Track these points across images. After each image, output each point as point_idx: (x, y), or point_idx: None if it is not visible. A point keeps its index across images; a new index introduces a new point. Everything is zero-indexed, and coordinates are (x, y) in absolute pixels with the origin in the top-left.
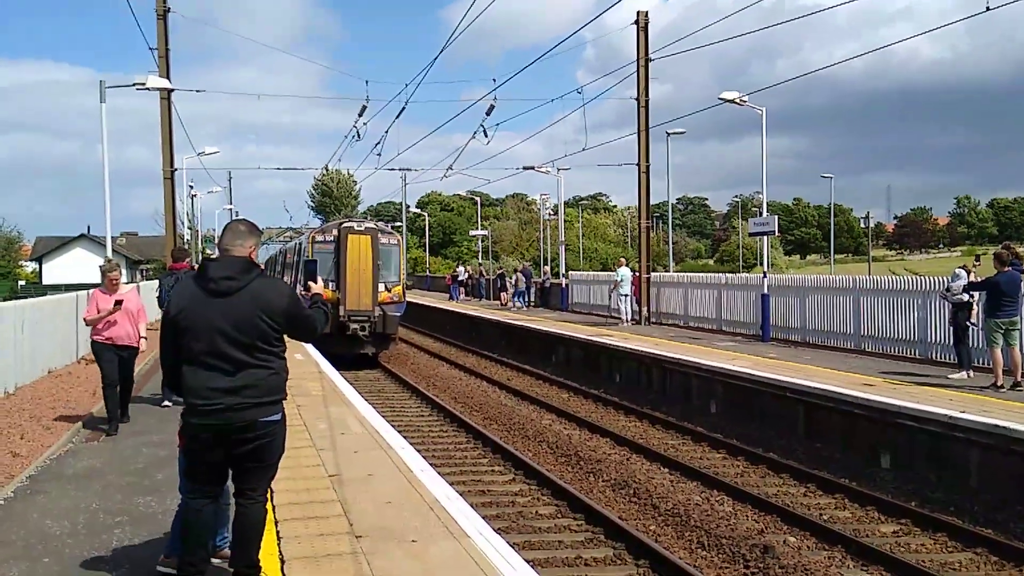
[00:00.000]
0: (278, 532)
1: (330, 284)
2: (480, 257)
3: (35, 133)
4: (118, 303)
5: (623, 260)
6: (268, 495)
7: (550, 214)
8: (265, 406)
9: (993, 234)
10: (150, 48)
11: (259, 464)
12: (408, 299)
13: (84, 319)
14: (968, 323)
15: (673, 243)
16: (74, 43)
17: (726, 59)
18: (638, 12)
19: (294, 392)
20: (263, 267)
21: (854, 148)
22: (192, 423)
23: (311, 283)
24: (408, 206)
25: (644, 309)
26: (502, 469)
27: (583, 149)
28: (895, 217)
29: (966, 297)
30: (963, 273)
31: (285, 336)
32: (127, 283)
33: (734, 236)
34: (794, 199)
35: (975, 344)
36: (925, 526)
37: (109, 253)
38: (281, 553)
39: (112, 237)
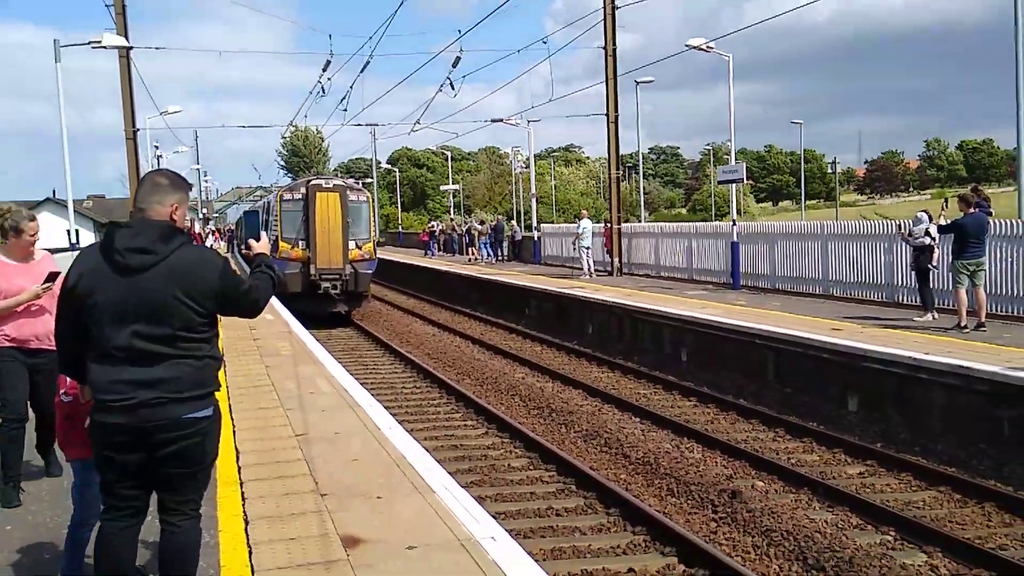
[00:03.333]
0: (243, 493)
1: (300, 243)
2: (452, 212)
3: (1, 97)
4: (52, 277)
5: (584, 212)
6: (200, 512)
7: (522, 167)
8: (190, 401)
9: (963, 176)
10: (106, 4)
11: (185, 471)
12: (381, 256)
13: None
14: (930, 266)
15: (646, 193)
16: (35, 3)
17: (696, 7)
18: None
19: (263, 352)
20: (194, 230)
21: (825, 93)
22: (101, 422)
23: (252, 241)
24: (379, 162)
25: (616, 260)
26: (475, 423)
27: (550, 100)
28: (866, 161)
29: (927, 240)
30: (924, 216)
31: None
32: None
33: (706, 185)
34: (766, 146)
35: (937, 286)
36: (890, 467)
37: (71, 216)
38: (245, 513)
39: (78, 200)
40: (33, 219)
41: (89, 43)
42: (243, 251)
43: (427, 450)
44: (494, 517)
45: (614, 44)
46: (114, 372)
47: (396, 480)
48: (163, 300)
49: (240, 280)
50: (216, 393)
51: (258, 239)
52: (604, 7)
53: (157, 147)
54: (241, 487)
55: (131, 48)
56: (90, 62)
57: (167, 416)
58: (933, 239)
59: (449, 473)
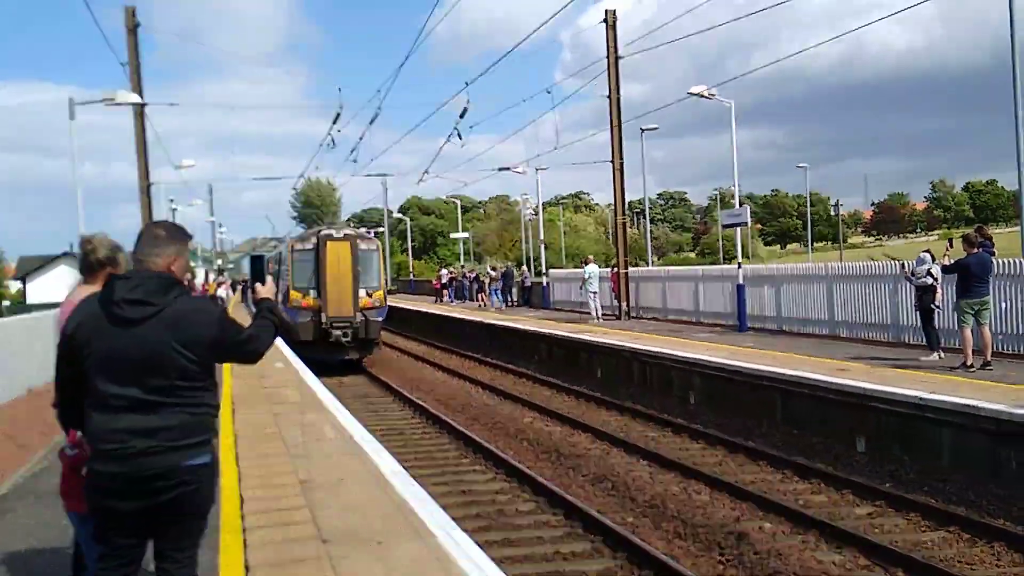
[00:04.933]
0: (245, 540)
1: (311, 292)
2: (463, 259)
3: (21, 153)
4: None
5: (590, 257)
6: (197, 559)
7: (532, 214)
8: (187, 449)
9: (969, 217)
10: (121, 63)
11: (182, 519)
12: (392, 303)
13: None
14: (933, 306)
15: (655, 237)
16: (55, 63)
17: (703, 56)
18: (606, 11)
19: (271, 400)
20: (190, 283)
21: (831, 138)
22: (98, 470)
23: (258, 285)
24: (391, 211)
25: (624, 304)
26: (483, 468)
27: (554, 148)
28: (872, 204)
29: (930, 280)
30: (928, 257)
31: (215, 365)
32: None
33: (714, 229)
34: (772, 190)
35: (942, 325)
36: (899, 507)
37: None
38: (246, 561)
39: None
40: (116, 251)
41: (103, 100)
42: (251, 295)
43: (431, 495)
44: (499, 562)
45: (618, 93)
46: (111, 421)
47: (397, 525)
48: (160, 351)
49: (239, 329)
50: (213, 441)
51: (263, 283)
52: (608, 57)
53: (172, 200)
54: (243, 534)
55: (144, 104)
56: (109, 118)
57: (165, 464)
58: (935, 279)
59: (452, 518)
